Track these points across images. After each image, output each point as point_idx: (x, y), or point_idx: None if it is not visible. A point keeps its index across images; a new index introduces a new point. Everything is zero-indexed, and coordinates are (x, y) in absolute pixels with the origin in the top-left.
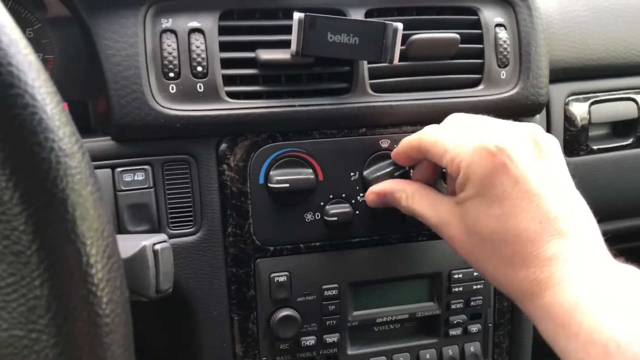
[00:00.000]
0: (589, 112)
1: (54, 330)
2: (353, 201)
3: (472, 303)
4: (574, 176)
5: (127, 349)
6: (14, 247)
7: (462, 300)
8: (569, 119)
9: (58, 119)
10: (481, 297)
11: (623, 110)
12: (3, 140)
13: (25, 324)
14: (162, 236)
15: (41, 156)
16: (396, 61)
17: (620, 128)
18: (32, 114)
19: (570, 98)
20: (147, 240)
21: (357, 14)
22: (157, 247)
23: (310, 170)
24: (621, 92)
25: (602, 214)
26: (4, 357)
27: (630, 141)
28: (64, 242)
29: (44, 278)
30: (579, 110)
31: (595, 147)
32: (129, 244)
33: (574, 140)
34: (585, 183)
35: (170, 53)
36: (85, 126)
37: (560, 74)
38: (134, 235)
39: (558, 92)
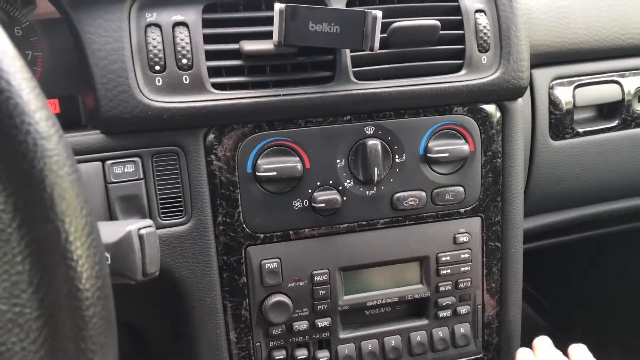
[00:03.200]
0: (574, 96)
1: (36, 304)
2: (340, 188)
3: (461, 285)
4: None
5: (108, 322)
6: None
7: (450, 282)
8: (553, 102)
9: (34, 104)
10: (469, 279)
11: (607, 93)
12: None
13: (9, 298)
14: (148, 221)
15: (18, 139)
16: (377, 48)
17: (605, 111)
18: (7, 98)
19: (555, 82)
20: (133, 225)
21: (339, 3)
22: (143, 231)
23: (297, 158)
24: (605, 75)
25: (588, 197)
26: None
27: (615, 123)
28: (43, 220)
29: (25, 254)
30: (564, 94)
31: (581, 130)
32: (115, 229)
33: (559, 124)
34: (572, 166)
35: (155, 46)
36: (75, 121)
37: (544, 59)
38: (120, 221)
39: (542, 77)
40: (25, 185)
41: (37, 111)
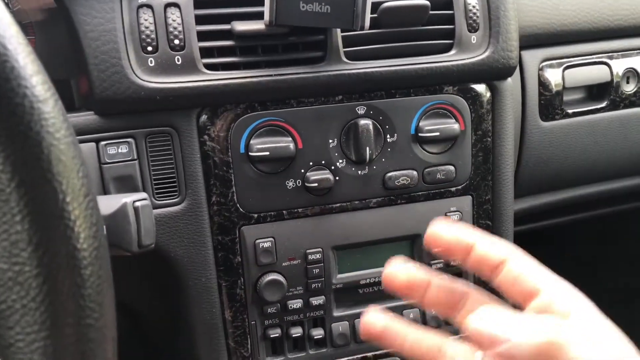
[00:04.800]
0: (563, 77)
1: (36, 262)
2: (333, 167)
3: (453, 263)
4: None
5: (104, 281)
6: None
7: (442, 261)
8: (543, 84)
9: (30, 68)
10: None
11: (596, 74)
12: None
13: (9, 257)
14: (143, 194)
15: (15, 101)
16: (367, 28)
17: (594, 92)
18: (4, 61)
19: (544, 64)
20: (128, 198)
21: None
22: (138, 204)
23: (290, 139)
24: (594, 56)
25: (579, 177)
26: None
27: (604, 104)
28: (41, 181)
29: (24, 213)
30: (553, 75)
31: (570, 111)
32: (111, 202)
33: (549, 105)
34: (562, 146)
35: (147, 27)
36: (69, 105)
37: (533, 40)
38: (116, 195)
39: (532, 58)
40: (23, 147)
41: (34, 75)
